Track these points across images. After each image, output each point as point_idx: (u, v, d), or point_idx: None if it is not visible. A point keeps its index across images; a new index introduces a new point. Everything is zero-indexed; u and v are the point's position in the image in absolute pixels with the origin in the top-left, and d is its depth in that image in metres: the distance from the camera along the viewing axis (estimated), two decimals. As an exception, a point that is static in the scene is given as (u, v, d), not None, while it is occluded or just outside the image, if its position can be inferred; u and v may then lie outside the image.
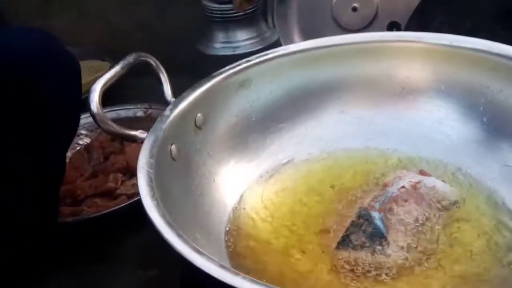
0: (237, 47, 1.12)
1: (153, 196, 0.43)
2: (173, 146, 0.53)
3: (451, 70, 0.60)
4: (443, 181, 0.55)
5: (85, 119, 0.87)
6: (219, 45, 1.13)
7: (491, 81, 0.57)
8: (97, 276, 0.85)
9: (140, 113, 1.16)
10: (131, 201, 0.86)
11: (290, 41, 1.19)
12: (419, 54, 0.61)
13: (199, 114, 0.57)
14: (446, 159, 0.59)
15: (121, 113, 1.08)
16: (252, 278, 0.35)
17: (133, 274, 0.83)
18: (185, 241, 0.39)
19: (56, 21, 1.42)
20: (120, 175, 0.99)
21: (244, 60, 0.62)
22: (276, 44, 1.15)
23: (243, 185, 0.59)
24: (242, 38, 1.13)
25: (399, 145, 0.61)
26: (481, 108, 0.57)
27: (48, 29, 0.60)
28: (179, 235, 0.39)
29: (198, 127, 0.57)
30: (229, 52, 1.10)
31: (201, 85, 0.59)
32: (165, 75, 0.59)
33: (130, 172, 0.99)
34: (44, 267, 0.81)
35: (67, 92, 0.59)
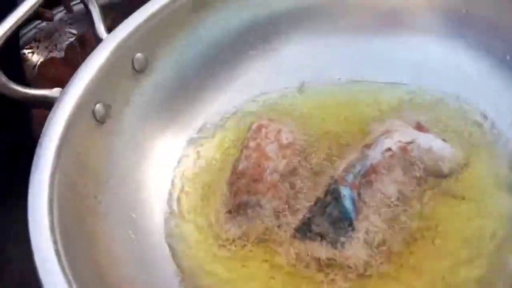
0: None
1: (51, 210, 0.34)
2: (98, 106, 0.43)
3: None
4: (444, 140, 0.42)
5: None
6: None
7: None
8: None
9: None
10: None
11: None
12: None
13: (138, 54, 0.46)
14: (456, 100, 0.45)
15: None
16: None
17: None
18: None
19: None
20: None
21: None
22: None
23: (199, 136, 0.49)
24: None
25: (398, 79, 0.48)
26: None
27: None
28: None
29: (137, 71, 0.46)
30: None
31: (141, 13, 0.47)
32: (95, 3, 0.47)
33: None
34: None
35: None
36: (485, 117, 0.44)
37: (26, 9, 0.44)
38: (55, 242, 0.32)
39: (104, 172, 0.42)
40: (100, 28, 0.46)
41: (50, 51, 0.99)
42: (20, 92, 0.41)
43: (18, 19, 0.43)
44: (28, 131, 0.76)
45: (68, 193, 0.37)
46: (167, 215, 0.44)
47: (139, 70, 0.46)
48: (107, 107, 0.44)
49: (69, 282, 0.30)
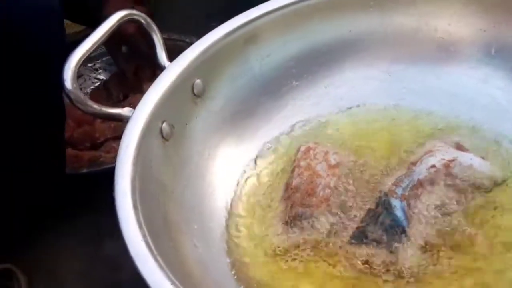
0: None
1: (135, 207, 0.38)
2: (164, 124, 0.47)
3: (504, 19, 0.50)
4: (482, 157, 0.47)
5: (100, 50, 0.88)
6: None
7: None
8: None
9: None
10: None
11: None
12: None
13: (197, 80, 0.51)
14: (490, 126, 0.50)
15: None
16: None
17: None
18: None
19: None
20: (140, 118, 0.96)
21: (250, 10, 0.54)
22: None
23: (250, 157, 0.53)
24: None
25: (434, 106, 0.53)
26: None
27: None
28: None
29: (196, 95, 0.51)
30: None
31: (199, 45, 0.52)
32: (158, 35, 0.52)
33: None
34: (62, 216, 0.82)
35: (50, 32, 0.61)
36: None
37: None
38: (144, 236, 0.36)
39: (169, 185, 0.46)
40: (162, 56, 0.51)
41: (75, 95, 1.04)
42: (96, 109, 0.46)
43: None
44: (62, 168, 0.81)
45: (146, 198, 0.41)
46: (226, 228, 0.48)
47: (198, 95, 0.51)
48: (171, 126, 0.48)
49: (161, 267, 0.34)
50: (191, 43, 0.53)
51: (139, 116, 0.46)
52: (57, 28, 0.62)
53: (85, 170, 0.88)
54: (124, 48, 0.94)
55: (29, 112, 0.67)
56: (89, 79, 1.09)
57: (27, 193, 0.77)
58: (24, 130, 0.69)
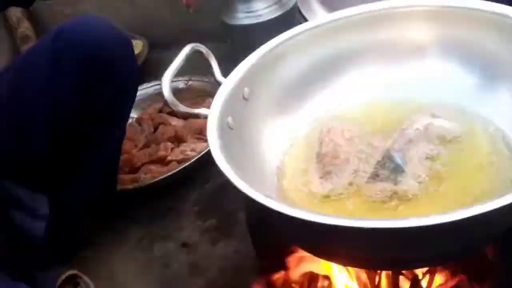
0: (259, 15, 1.31)
1: (222, 152, 0.63)
2: (229, 118, 0.72)
3: (453, 28, 0.78)
4: (449, 121, 0.74)
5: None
6: (243, 15, 1.33)
7: (486, 35, 0.75)
8: (162, 228, 1.09)
9: (181, 85, 1.38)
10: (181, 166, 1.10)
11: (308, 5, 1.37)
12: (424, 16, 0.79)
13: (246, 88, 0.77)
14: (453, 100, 0.77)
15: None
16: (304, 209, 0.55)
17: (193, 224, 1.08)
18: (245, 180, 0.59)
19: (84, 6, 1.63)
20: (169, 144, 1.22)
21: (278, 36, 0.80)
22: (294, 9, 1.34)
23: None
24: (263, 7, 1.32)
25: (413, 94, 0.80)
26: (478, 59, 0.76)
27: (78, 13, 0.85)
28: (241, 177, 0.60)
29: (245, 99, 0.77)
30: (253, 21, 1.30)
31: (245, 64, 0.77)
32: (214, 59, 0.78)
33: (178, 141, 1.21)
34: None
35: (129, 65, 0.92)
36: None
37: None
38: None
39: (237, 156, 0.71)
40: (219, 74, 0.77)
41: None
42: (184, 108, 0.71)
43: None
44: (114, 186, 1.06)
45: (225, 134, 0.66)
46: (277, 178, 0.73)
47: (247, 98, 0.77)
48: (233, 119, 0.73)
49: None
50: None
51: (212, 114, 0.70)
52: (131, 61, 0.90)
53: (130, 187, 1.12)
54: None
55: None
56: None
57: (86, 207, 1.00)
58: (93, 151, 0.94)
